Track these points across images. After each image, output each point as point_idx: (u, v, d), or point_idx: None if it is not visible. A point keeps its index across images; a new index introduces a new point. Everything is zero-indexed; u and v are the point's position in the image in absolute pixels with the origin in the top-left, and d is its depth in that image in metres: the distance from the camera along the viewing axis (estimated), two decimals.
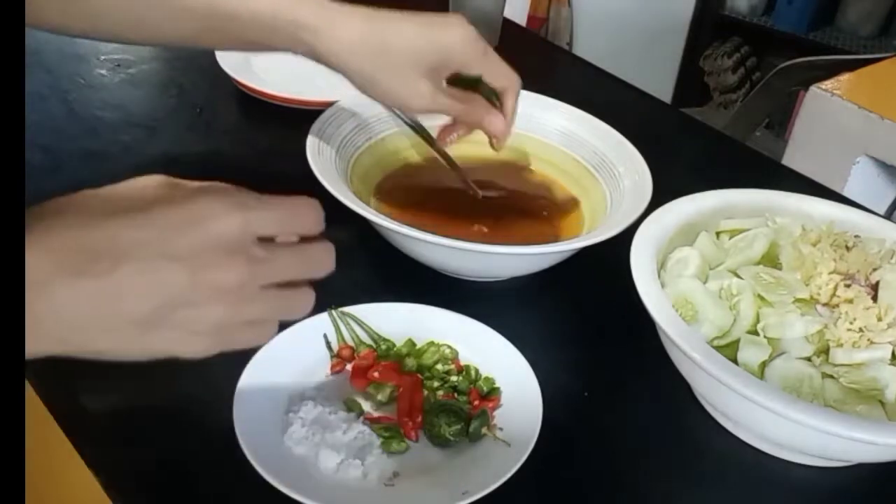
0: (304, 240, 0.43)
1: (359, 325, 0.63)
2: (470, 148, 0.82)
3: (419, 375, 0.60)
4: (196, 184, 0.41)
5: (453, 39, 0.66)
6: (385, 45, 0.63)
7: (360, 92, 0.66)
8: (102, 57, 0.98)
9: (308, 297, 0.44)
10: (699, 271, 0.63)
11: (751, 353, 0.58)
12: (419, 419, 0.57)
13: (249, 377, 0.56)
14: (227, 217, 0.39)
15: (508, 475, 0.53)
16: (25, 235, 0.35)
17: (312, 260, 0.43)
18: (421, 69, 0.65)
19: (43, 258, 0.35)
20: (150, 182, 0.40)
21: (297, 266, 0.43)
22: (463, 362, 0.62)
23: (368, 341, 0.63)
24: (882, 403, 0.56)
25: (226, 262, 0.39)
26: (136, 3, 0.63)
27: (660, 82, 2.65)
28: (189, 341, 0.40)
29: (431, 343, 0.62)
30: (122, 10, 0.63)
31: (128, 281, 0.37)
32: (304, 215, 0.43)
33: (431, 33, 0.65)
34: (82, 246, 0.37)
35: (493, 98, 0.70)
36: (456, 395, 0.59)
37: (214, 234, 0.39)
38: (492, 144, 0.72)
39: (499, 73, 0.69)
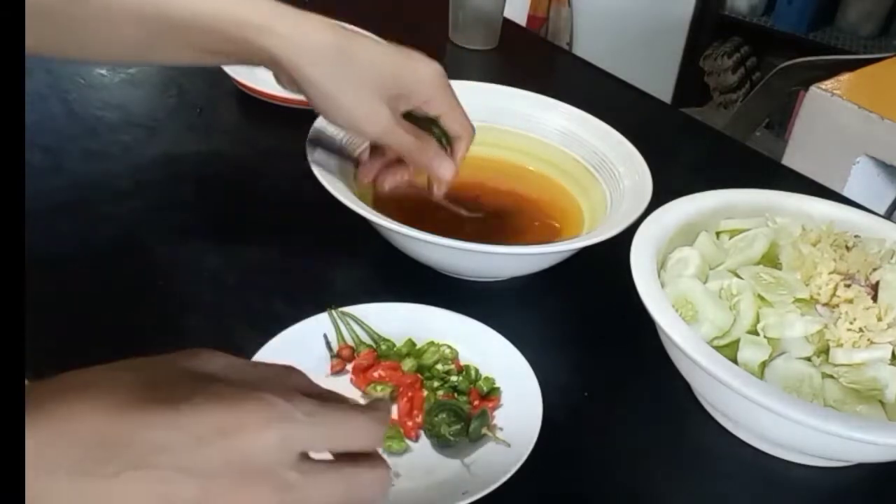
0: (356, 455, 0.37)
1: (359, 325, 0.63)
2: (470, 147, 0.83)
3: (419, 375, 0.60)
4: (253, 372, 0.37)
5: (424, 73, 0.63)
6: (351, 61, 0.59)
7: (313, 107, 0.62)
8: None
9: None
10: (699, 271, 0.63)
11: (751, 353, 0.58)
12: (419, 419, 0.57)
13: None
14: (263, 432, 0.34)
15: (508, 475, 0.53)
16: (45, 411, 0.32)
17: (359, 488, 0.37)
18: (383, 94, 0.61)
19: (51, 445, 0.32)
20: (199, 361, 0.36)
21: (339, 495, 0.36)
22: (463, 362, 0.62)
23: (368, 341, 0.63)
24: (882, 403, 0.56)
25: (248, 488, 0.33)
26: (79, 15, 0.57)
27: (660, 82, 2.65)
28: None
29: (431, 343, 0.62)
30: (68, 24, 0.57)
31: (131, 490, 0.32)
32: (360, 431, 0.37)
33: (402, 60, 0.62)
34: (94, 439, 0.32)
35: (444, 142, 0.67)
36: (456, 395, 0.59)
37: (243, 451, 0.33)
38: (431, 189, 0.69)
39: (457, 119, 0.66)
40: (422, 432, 0.57)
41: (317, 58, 0.58)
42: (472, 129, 0.68)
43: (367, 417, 0.37)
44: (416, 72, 0.63)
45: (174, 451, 0.33)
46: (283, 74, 0.60)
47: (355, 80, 0.60)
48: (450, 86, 0.65)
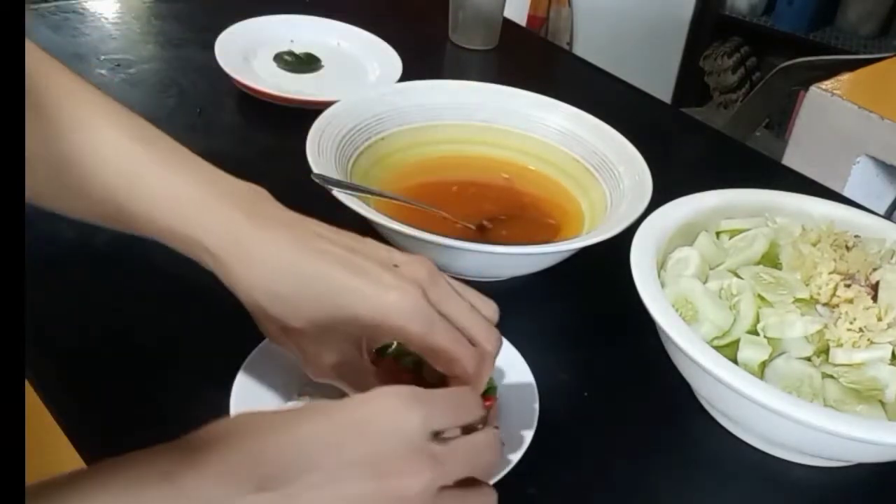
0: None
1: None
2: (470, 148, 0.83)
3: (417, 373, 0.60)
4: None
5: (392, 306, 0.45)
6: (296, 289, 0.46)
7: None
8: (102, 57, 0.98)
9: (490, 498, 0.42)
10: (699, 271, 0.63)
11: (751, 353, 0.58)
12: None
13: (246, 374, 0.56)
14: (408, 414, 0.38)
15: (501, 475, 0.52)
16: (197, 460, 0.35)
17: (483, 451, 0.42)
18: (333, 330, 0.48)
19: (222, 478, 0.35)
20: None
21: (473, 460, 0.41)
22: None
23: None
24: (882, 403, 0.56)
25: (410, 466, 0.37)
26: (42, 181, 0.47)
27: (660, 82, 2.65)
28: None
29: None
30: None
31: (312, 494, 0.36)
32: (472, 403, 0.42)
33: (365, 291, 0.45)
34: (262, 459, 0.36)
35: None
36: None
37: (397, 435, 0.38)
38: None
39: (444, 351, 0.46)
40: None
41: (259, 286, 0.46)
42: (474, 354, 0.47)
43: (470, 393, 0.43)
44: (387, 307, 0.45)
45: (338, 449, 0.37)
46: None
47: (296, 312, 0.46)
48: (430, 316, 0.45)
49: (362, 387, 0.45)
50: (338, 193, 0.65)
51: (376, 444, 0.37)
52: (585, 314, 0.72)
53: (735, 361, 0.57)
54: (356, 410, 0.39)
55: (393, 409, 0.38)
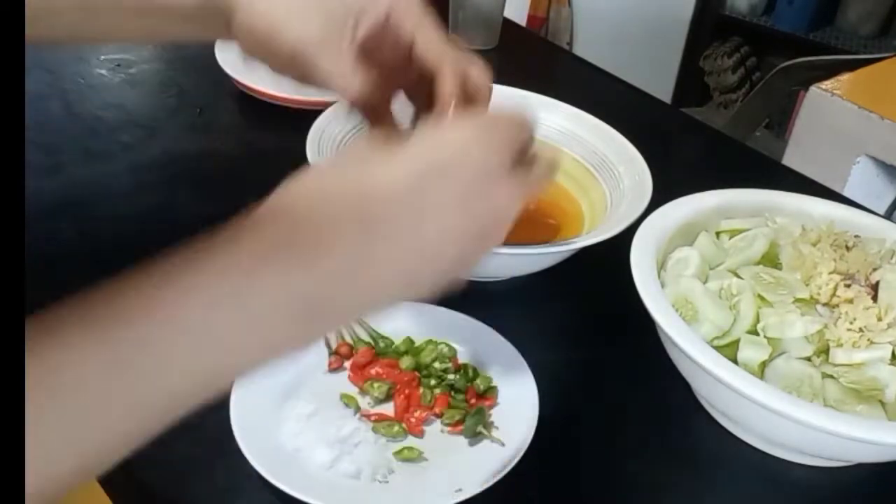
0: None
1: (358, 322, 0.63)
2: None
3: (416, 373, 0.60)
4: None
5: None
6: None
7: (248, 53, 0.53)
8: (102, 57, 0.98)
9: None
10: (699, 271, 0.63)
11: (751, 353, 0.58)
12: (417, 415, 0.57)
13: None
14: (487, 152, 0.39)
15: (502, 474, 0.53)
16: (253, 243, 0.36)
17: (548, 163, 0.45)
18: (332, 20, 0.50)
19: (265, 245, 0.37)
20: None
21: (545, 173, 0.45)
22: (461, 361, 0.62)
23: (367, 339, 0.63)
24: (882, 403, 0.56)
25: (498, 198, 0.40)
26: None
27: (660, 82, 2.65)
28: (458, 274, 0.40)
29: (430, 341, 0.63)
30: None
31: (396, 238, 0.37)
32: (527, 120, 0.44)
33: None
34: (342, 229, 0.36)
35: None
36: (452, 393, 0.60)
37: (481, 173, 0.39)
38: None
39: (429, 42, 0.51)
40: (424, 428, 0.57)
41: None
42: (459, 56, 0.51)
43: (521, 113, 0.44)
44: None
45: (420, 194, 0.37)
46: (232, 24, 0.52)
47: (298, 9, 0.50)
48: (426, 12, 0.51)
49: (337, 66, 0.50)
50: None
51: (461, 184, 0.38)
52: (585, 314, 0.72)
53: (735, 361, 0.57)
54: (430, 155, 0.39)
55: (470, 150, 0.39)
